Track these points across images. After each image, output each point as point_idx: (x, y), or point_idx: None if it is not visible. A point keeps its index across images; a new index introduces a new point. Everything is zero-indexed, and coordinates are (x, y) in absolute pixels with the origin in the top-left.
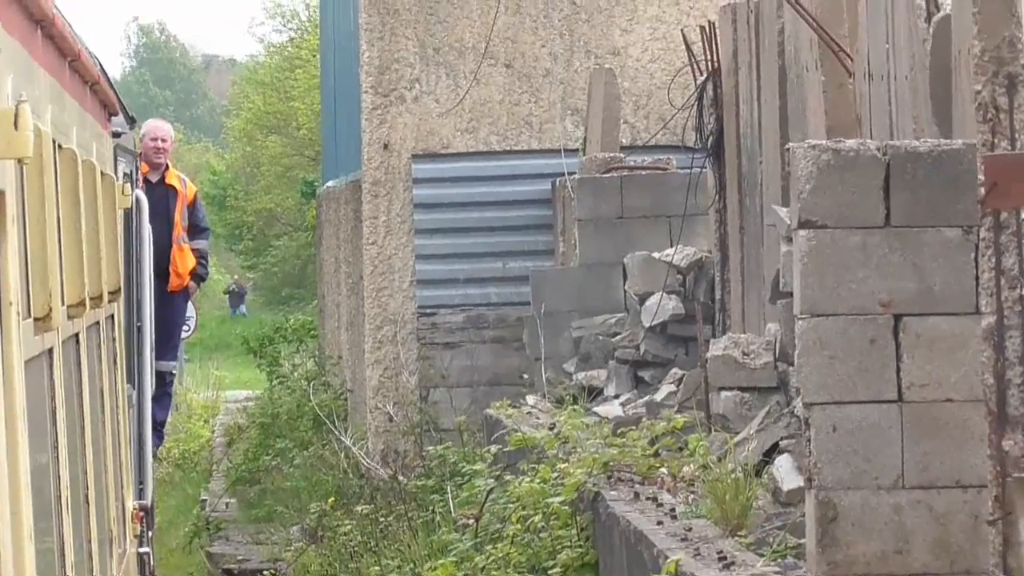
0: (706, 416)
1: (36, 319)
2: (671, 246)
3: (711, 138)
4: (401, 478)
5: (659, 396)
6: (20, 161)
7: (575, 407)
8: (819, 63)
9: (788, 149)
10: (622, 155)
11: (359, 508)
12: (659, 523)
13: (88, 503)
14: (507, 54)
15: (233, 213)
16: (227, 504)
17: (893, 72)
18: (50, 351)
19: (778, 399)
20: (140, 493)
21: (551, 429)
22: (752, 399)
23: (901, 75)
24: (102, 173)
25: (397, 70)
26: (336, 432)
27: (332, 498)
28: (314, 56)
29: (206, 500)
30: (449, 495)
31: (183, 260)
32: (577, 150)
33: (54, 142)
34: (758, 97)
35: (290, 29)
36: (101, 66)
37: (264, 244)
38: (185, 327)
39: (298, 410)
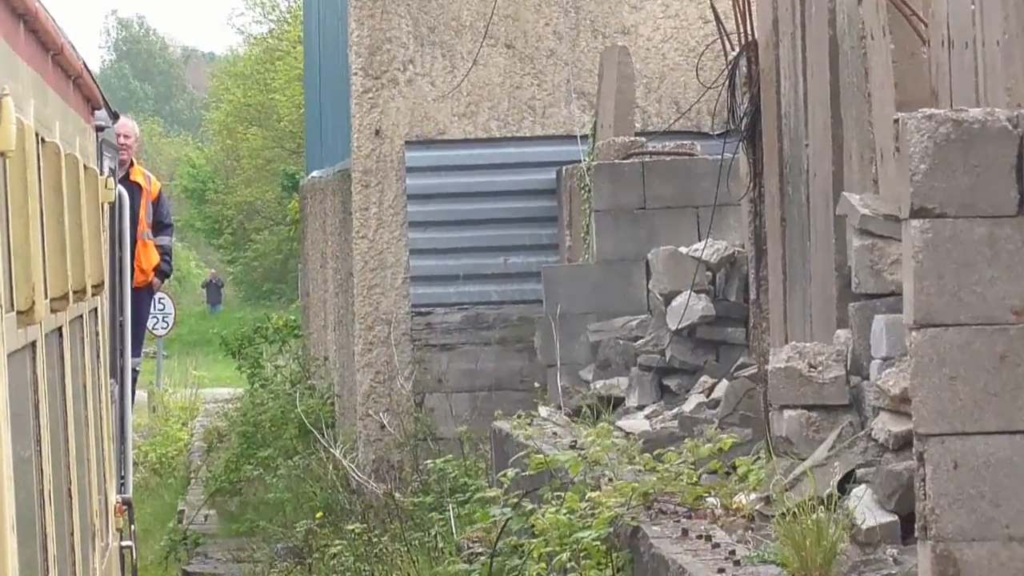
0: (766, 438)
1: (19, 312)
2: (699, 240)
3: (745, 119)
4: (397, 495)
5: (688, 407)
6: (3, 154)
7: (603, 423)
8: (887, 29)
9: (897, 120)
10: (643, 139)
11: (350, 527)
12: (720, 571)
13: (71, 496)
14: (508, 33)
15: (213, 207)
16: (206, 516)
17: (980, 37)
18: (33, 344)
19: (851, 419)
20: (121, 487)
21: (573, 447)
22: (820, 419)
23: (991, 40)
24: (85, 167)
25: (389, 50)
26: (324, 442)
27: (320, 513)
28: (295, 48)
29: (183, 511)
30: (451, 514)
31: (147, 256)
32: (585, 136)
33: (37, 135)
34: (804, 72)
35: (270, 20)
36: (83, 61)
37: (244, 238)
38: (163, 324)
39: (282, 416)
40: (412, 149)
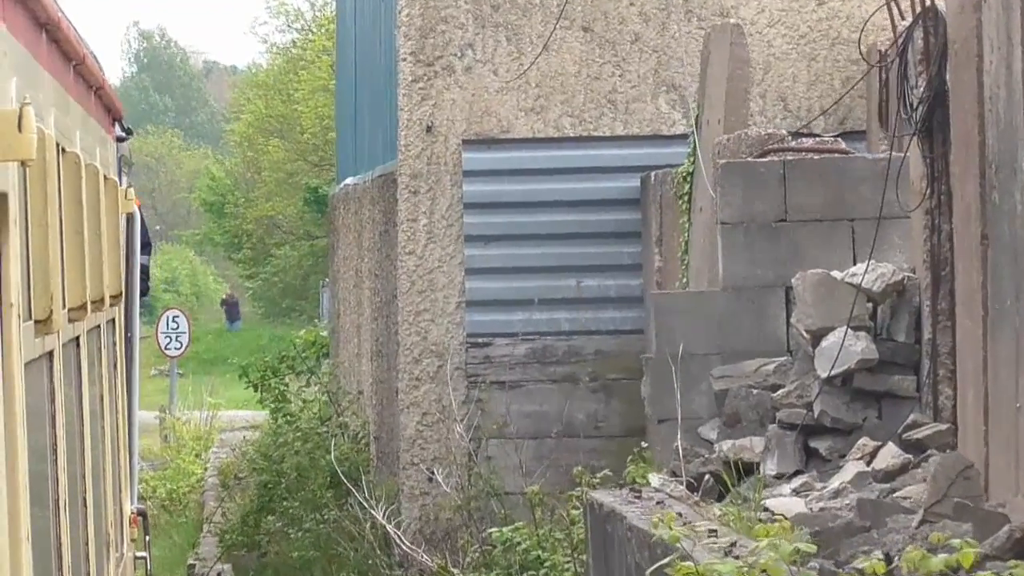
0: None
1: (37, 321)
2: (855, 261)
3: (920, 108)
4: (454, 571)
5: (846, 477)
6: (23, 163)
7: (772, 518)
8: None
9: None
10: (784, 131)
11: None
12: None
13: (86, 506)
14: (585, 14)
15: (232, 221)
16: (220, 574)
17: None
18: (50, 354)
19: None
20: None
21: (715, 538)
22: None
23: None
24: (105, 177)
25: (444, 32)
26: (360, 497)
27: None
28: (320, 57)
29: (195, 566)
30: None
31: None
32: (674, 136)
33: (57, 145)
34: (1023, 41)
35: (295, 29)
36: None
37: (264, 253)
38: (177, 343)
39: (310, 462)
40: (470, 149)
